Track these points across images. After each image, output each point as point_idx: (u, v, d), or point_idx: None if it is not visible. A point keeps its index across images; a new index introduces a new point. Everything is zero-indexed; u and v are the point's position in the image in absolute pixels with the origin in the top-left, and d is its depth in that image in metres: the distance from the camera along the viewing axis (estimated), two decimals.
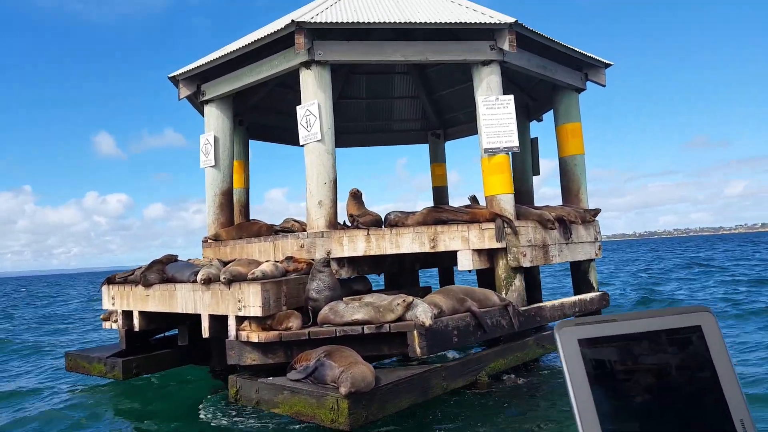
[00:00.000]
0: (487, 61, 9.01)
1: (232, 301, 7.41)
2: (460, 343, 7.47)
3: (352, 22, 8.41)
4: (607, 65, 11.18)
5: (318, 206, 8.72)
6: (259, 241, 9.47)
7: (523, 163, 12.90)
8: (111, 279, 9.60)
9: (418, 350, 6.68)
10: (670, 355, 0.91)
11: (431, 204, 14.49)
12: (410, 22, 8.48)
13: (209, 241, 10.55)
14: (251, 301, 7.17)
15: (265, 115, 13.70)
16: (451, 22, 8.56)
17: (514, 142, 8.93)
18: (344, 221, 9.61)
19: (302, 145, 8.95)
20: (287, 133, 13.70)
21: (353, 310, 7.00)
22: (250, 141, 13.29)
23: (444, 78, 14.21)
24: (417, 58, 9.19)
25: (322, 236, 8.55)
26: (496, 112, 8.90)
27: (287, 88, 12.80)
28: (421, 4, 9.63)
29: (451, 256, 8.87)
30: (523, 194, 12.27)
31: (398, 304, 6.87)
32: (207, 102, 10.66)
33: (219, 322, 7.73)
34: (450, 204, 13.18)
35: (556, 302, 9.40)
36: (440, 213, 9.10)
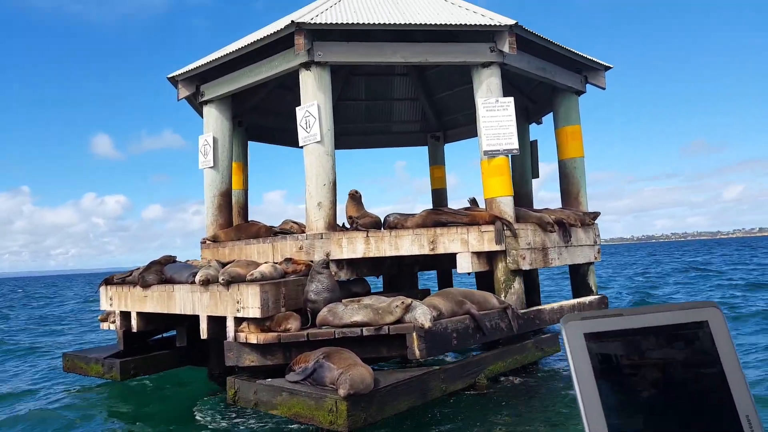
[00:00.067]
0: (487, 63, 9.01)
1: (231, 302, 7.38)
2: (459, 346, 7.45)
3: (352, 23, 8.40)
4: (607, 68, 11.20)
5: (317, 208, 8.70)
6: (257, 242, 9.44)
7: (523, 165, 12.90)
8: (109, 280, 9.57)
9: (417, 352, 6.65)
10: (677, 350, 0.90)
11: (430, 206, 14.48)
12: (410, 24, 8.48)
13: (208, 242, 10.52)
14: (250, 302, 7.15)
15: (264, 117, 13.69)
16: (451, 24, 8.56)
17: (513, 144, 8.92)
18: (343, 223, 9.59)
19: (301, 147, 8.94)
20: (286, 135, 13.69)
21: (352, 312, 6.97)
22: (249, 142, 13.28)
23: (443, 80, 14.22)
24: (417, 60, 9.19)
25: (321, 238, 8.53)
26: (495, 114, 8.90)
27: (286, 89, 12.79)
28: (421, 5, 9.63)
29: (450, 259, 8.86)
30: (522, 197, 12.26)
31: (397, 306, 6.85)
32: (206, 103, 10.64)
33: (217, 323, 7.70)
34: (449, 206, 13.17)
35: (555, 305, 9.39)
36: (440, 215, 9.09)
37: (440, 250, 8.59)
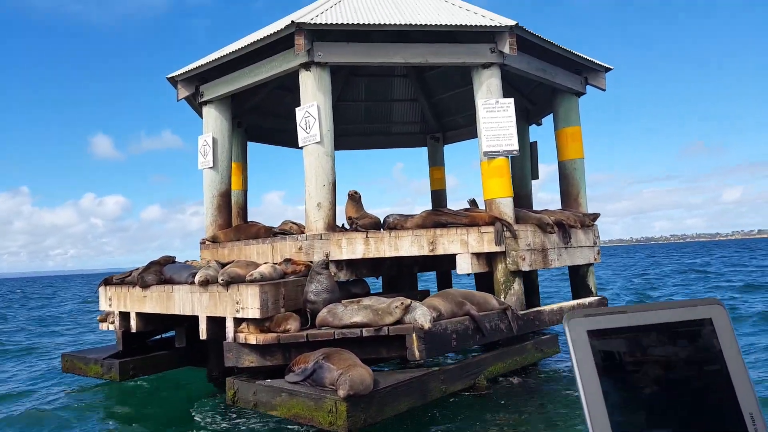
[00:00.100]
0: (487, 63, 9.01)
1: (230, 302, 7.36)
2: (458, 347, 7.44)
3: (353, 24, 8.39)
4: (607, 69, 11.19)
5: (317, 208, 8.69)
6: (257, 243, 9.43)
7: (522, 167, 12.89)
8: (108, 280, 9.55)
9: (417, 353, 6.64)
10: (680, 347, 0.90)
11: (429, 208, 14.47)
12: (411, 24, 8.47)
13: (207, 242, 10.51)
14: (249, 302, 7.13)
15: (263, 118, 13.68)
16: (451, 25, 8.55)
17: (513, 145, 8.92)
18: (343, 224, 9.58)
19: (301, 147, 8.93)
20: (286, 135, 13.68)
21: (352, 313, 6.96)
22: (248, 143, 13.27)
23: (443, 81, 14.22)
24: (417, 61, 9.18)
25: (321, 238, 8.52)
26: (496, 115, 8.89)
27: (286, 90, 12.78)
28: (421, 6, 9.62)
29: (450, 260, 8.85)
30: (522, 198, 12.26)
31: (396, 307, 6.84)
32: (206, 103, 10.63)
33: (217, 323, 7.68)
34: (449, 208, 13.17)
35: (555, 306, 9.38)
36: (439, 216, 9.09)
37: (440, 251, 8.58)
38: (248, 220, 12.35)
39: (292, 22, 8.31)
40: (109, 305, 9.33)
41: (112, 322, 9.42)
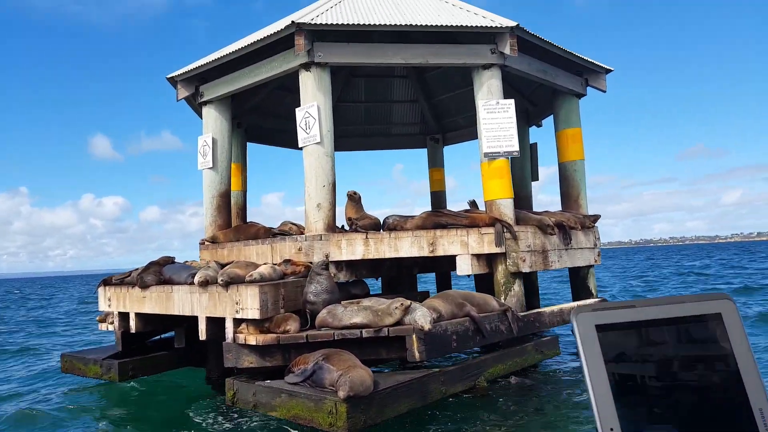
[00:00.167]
0: (487, 64, 9.00)
1: (230, 303, 7.34)
2: (459, 348, 7.42)
3: (353, 24, 8.38)
4: (608, 71, 11.19)
5: (316, 209, 8.67)
6: (256, 243, 9.41)
7: (522, 168, 12.89)
8: (107, 280, 9.53)
9: (417, 355, 6.62)
10: (689, 342, 0.89)
11: (429, 209, 14.46)
12: (411, 25, 8.46)
13: (206, 243, 10.49)
14: (249, 303, 7.11)
15: (263, 118, 13.67)
16: (452, 26, 8.54)
17: (514, 146, 8.91)
18: (342, 225, 9.56)
19: (301, 148, 8.91)
20: (285, 136, 13.67)
21: (351, 314, 6.94)
22: (248, 144, 13.25)
23: (443, 82, 14.22)
24: (418, 61, 9.18)
25: (321, 239, 8.50)
26: (496, 116, 8.88)
27: (286, 90, 12.77)
28: (422, 6, 9.62)
29: (450, 261, 8.83)
30: (522, 200, 12.25)
31: (396, 308, 6.82)
32: (205, 103, 10.61)
33: (216, 324, 7.66)
34: (449, 209, 13.16)
35: (555, 308, 9.37)
36: (439, 217, 9.07)
37: (440, 252, 8.56)
38: (248, 220, 12.34)
39: (293, 22, 8.30)
40: (109, 305, 9.31)
41: (112, 323, 9.40)
